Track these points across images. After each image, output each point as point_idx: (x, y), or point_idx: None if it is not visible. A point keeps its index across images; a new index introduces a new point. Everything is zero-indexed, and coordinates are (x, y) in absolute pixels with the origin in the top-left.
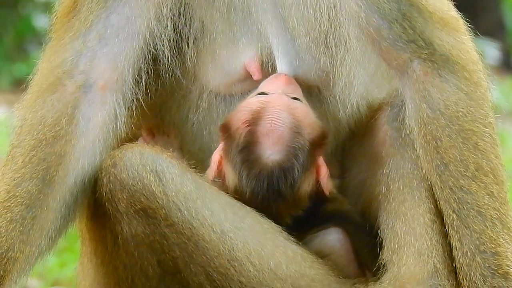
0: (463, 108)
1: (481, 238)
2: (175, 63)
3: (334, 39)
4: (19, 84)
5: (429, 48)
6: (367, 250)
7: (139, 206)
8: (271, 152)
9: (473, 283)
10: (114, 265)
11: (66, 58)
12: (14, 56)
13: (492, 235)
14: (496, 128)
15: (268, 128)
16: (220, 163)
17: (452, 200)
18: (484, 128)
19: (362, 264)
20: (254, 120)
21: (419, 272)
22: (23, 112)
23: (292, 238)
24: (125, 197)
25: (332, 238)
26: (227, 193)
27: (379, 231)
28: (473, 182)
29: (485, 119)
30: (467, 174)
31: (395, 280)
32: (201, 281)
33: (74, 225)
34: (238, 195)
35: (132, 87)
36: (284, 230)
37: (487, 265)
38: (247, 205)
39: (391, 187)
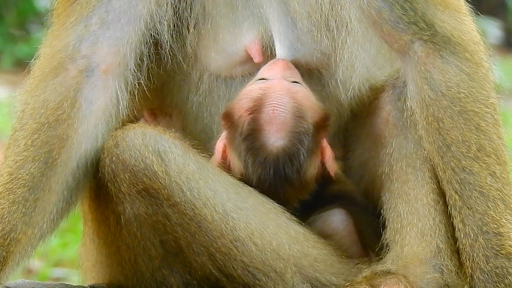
0: (464, 89)
1: (484, 218)
2: (177, 47)
3: (335, 21)
4: (21, 65)
5: (430, 30)
6: (370, 231)
7: (141, 186)
8: (275, 138)
9: (476, 264)
10: (117, 246)
11: (68, 42)
12: (16, 37)
13: (494, 215)
14: (498, 109)
15: (271, 115)
16: (224, 152)
17: (455, 181)
18: (486, 109)
19: (365, 244)
20: (256, 108)
21: (422, 252)
22: (25, 96)
23: (295, 218)
24: (127, 177)
25: (336, 219)
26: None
27: (382, 211)
28: (475, 162)
29: (487, 100)
30: (469, 155)
31: (398, 260)
32: (204, 261)
33: (76, 207)
34: (244, 182)
35: (134, 71)
36: (287, 211)
37: (489, 245)
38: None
39: (394, 167)
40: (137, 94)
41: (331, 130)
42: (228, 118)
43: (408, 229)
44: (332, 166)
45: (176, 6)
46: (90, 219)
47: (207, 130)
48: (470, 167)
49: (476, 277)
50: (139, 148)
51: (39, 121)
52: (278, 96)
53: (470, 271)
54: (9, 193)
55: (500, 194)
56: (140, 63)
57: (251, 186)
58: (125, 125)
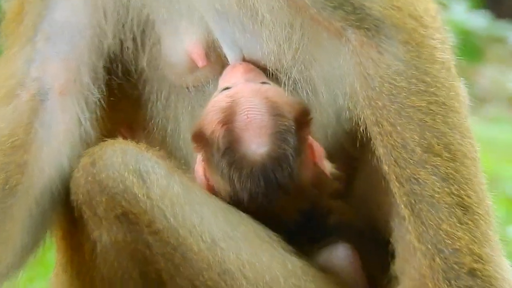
0: (402, 82)
1: (438, 235)
2: (129, 58)
3: (257, 15)
4: None
5: (359, 13)
6: (376, 263)
7: (120, 210)
8: (256, 145)
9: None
10: (91, 276)
11: (18, 67)
12: None
13: (448, 229)
14: (456, 90)
15: (246, 121)
16: (206, 176)
17: (402, 193)
18: (431, 98)
19: (371, 278)
20: (228, 117)
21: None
22: None
23: (292, 249)
24: (104, 200)
25: (340, 255)
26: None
27: (389, 238)
28: (421, 168)
29: (434, 86)
30: (413, 160)
31: None
32: None
33: (47, 237)
34: (235, 203)
35: (93, 87)
36: (284, 241)
37: (448, 265)
38: (247, 212)
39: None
40: (104, 111)
41: (323, 143)
42: (199, 137)
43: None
44: (325, 164)
45: (120, 15)
46: (63, 246)
47: (182, 147)
48: (416, 174)
49: None
50: (118, 168)
51: None
52: (248, 100)
53: None
54: None
55: (455, 198)
56: (98, 78)
57: (243, 205)
58: (104, 140)
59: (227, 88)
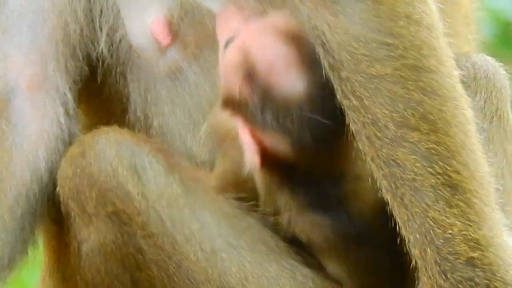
0: (362, 49)
1: (426, 223)
2: (103, 45)
3: None
4: None
5: None
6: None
7: (111, 208)
8: (291, 82)
9: (435, 282)
10: (74, 282)
11: None
12: None
13: (436, 216)
14: (430, 44)
15: (268, 65)
16: (257, 141)
17: (382, 177)
18: (398, 62)
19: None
20: (248, 70)
21: None
22: None
23: (304, 257)
24: (94, 196)
25: None
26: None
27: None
28: (397, 147)
29: (399, 47)
30: (387, 138)
31: None
32: None
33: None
34: (299, 157)
35: (65, 80)
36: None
37: (442, 256)
38: (309, 164)
39: None
40: (83, 106)
41: None
42: (230, 104)
43: None
44: None
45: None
46: (50, 248)
47: (172, 144)
48: (393, 155)
49: None
50: (111, 161)
51: None
52: (260, 41)
53: None
54: None
55: (441, 178)
56: (69, 69)
57: (305, 155)
58: (97, 127)
59: (229, 41)
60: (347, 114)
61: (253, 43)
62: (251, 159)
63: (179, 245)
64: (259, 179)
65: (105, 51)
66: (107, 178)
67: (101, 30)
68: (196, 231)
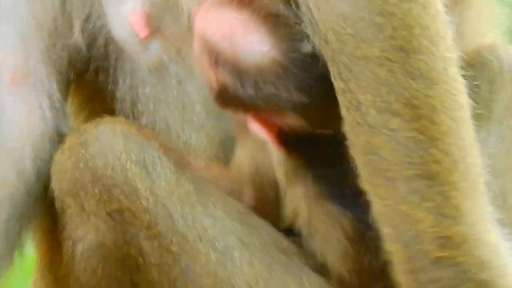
0: (348, 28)
1: (396, 216)
2: (83, 35)
3: None
4: None
5: None
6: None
7: (115, 206)
8: (255, 46)
9: (405, 281)
10: (67, 284)
11: None
12: None
13: (405, 209)
14: (422, 23)
15: (226, 37)
16: (266, 124)
17: (361, 165)
18: (385, 43)
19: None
20: (212, 51)
21: None
22: None
23: (311, 264)
24: (97, 192)
25: None
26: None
27: None
28: (375, 134)
29: (388, 27)
30: (367, 125)
31: None
32: None
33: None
34: (311, 122)
35: (51, 73)
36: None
37: (411, 254)
38: (324, 125)
39: None
40: (73, 101)
41: None
42: (220, 97)
43: None
44: None
45: None
46: (43, 248)
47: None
48: (371, 142)
49: None
50: (118, 155)
51: None
52: (211, 18)
53: None
54: None
55: (418, 168)
56: (56, 62)
57: (317, 112)
58: (101, 117)
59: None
60: (339, 98)
61: (206, 24)
62: (270, 144)
63: (189, 245)
64: (281, 167)
65: (82, 40)
66: (114, 173)
67: (78, 18)
68: (209, 227)
